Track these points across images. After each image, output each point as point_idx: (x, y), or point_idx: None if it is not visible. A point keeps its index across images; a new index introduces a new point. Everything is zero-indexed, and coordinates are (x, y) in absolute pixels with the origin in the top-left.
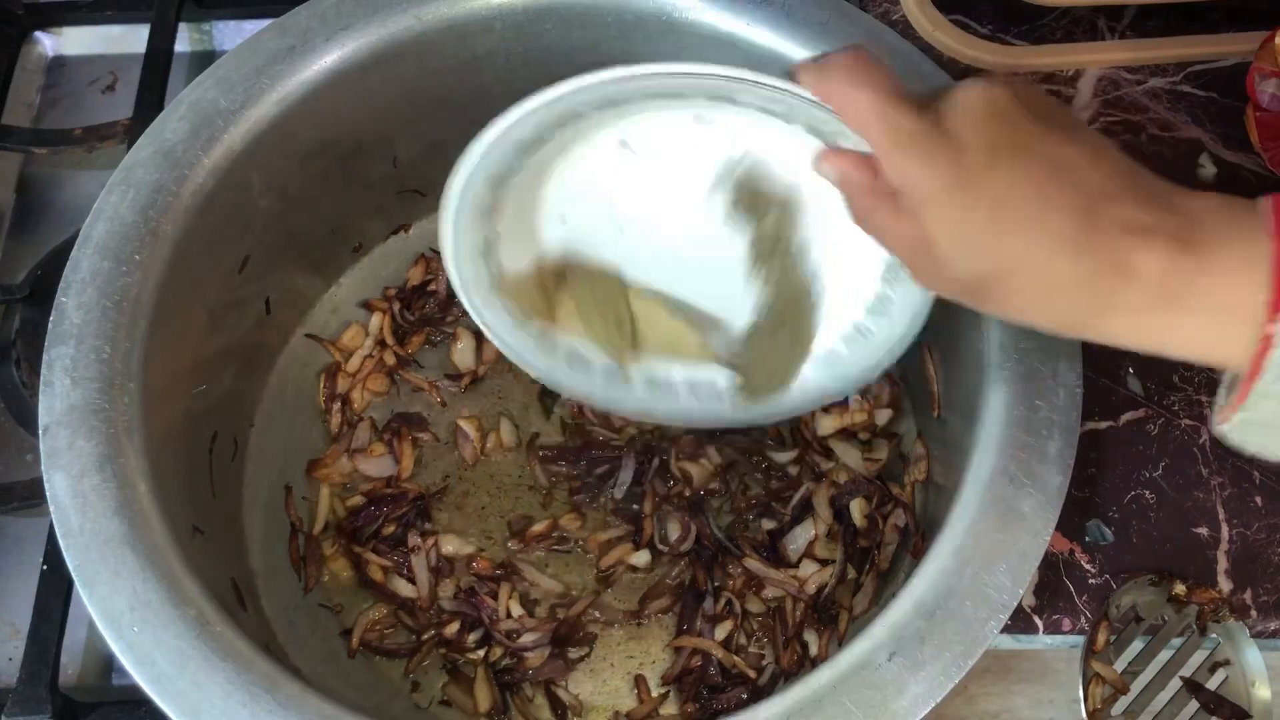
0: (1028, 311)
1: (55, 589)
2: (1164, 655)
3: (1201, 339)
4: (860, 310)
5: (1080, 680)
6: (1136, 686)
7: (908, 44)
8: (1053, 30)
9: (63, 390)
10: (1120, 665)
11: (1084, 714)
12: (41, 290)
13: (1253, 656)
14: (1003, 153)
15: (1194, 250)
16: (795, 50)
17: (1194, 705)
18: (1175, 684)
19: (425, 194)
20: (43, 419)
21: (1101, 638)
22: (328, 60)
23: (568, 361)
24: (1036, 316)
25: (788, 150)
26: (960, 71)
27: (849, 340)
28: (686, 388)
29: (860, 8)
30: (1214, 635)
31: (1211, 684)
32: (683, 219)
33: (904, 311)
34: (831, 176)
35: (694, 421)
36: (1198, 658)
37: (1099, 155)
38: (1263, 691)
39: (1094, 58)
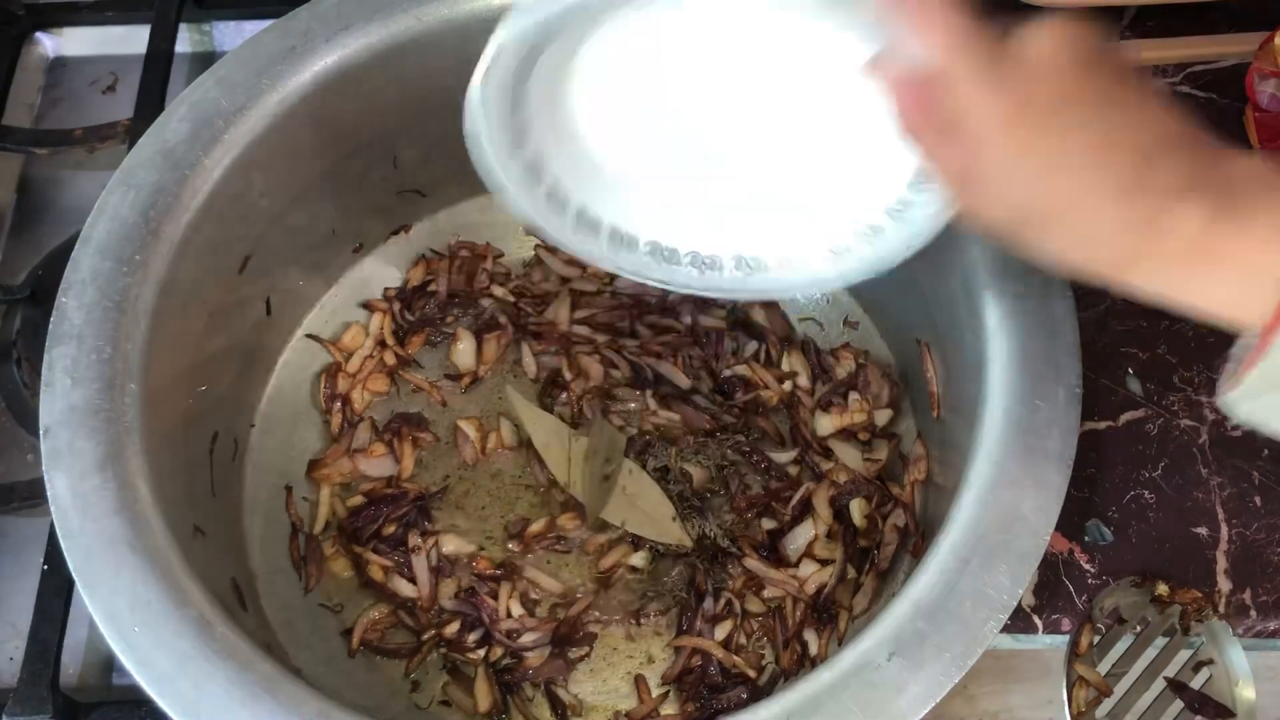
0: (1065, 253)
1: (56, 589)
2: (1148, 656)
3: (1227, 296)
4: (879, 212)
5: (1064, 683)
6: (1120, 688)
7: None
8: None
9: (64, 390)
10: (1104, 668)
11: (1068, 717)
12: (42, 290)
13: (1236, 656)
14: (1070, 105)
15: (1230, 213)
16: None
17: (1178, 705)
18: (1159, 685)
19: (426, 194)
20: (44, 419)
21: (1084, 640)
22: (328, 61)
23: (575, 222)
24: (1073, 258)
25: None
26: None
27: (859, 237)
28: (689, 259)
29: None
30: (1197, 635)
31: (1195, 683)
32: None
33: (923, 218)
34: (886, 87)
35: (691, 290)
36: (1181, 658)
37: (1157, 119)
38: (1247, 691)
39: None
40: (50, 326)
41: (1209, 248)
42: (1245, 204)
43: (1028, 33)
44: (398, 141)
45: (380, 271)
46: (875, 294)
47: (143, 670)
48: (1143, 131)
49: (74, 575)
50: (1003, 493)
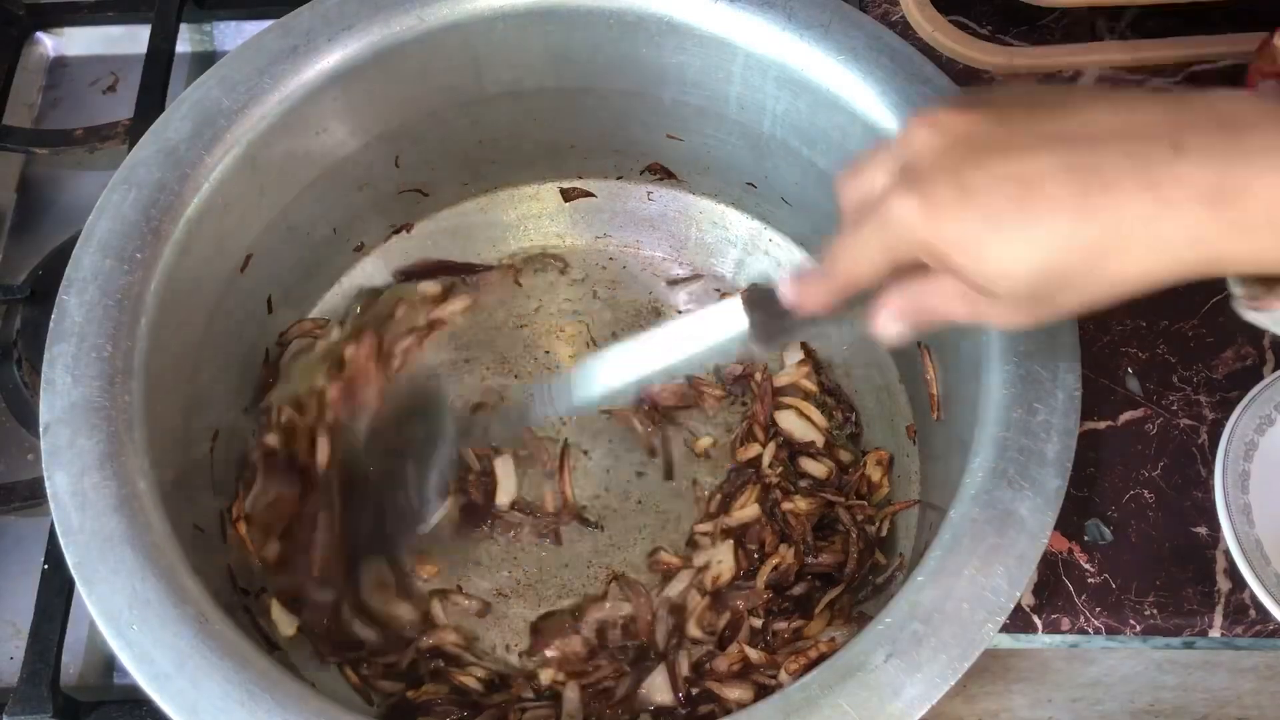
0: (1100, 282)
1: (57, 588)
2: None
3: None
4: None
5: None
6: None
7: (908, 45)
8: (1052, 31)
9: (64, 388)
10: None
11: None
12: (42, 290)
13: None
14: (1000, 153)
15: (1239, 152)
16: (798, 53)
17: None
18: None
19: (427, 194)
20: (44, 417)
21: None
22: (330, 60)
23: None
24: (1113, 278)
25: None
26: (960, 72)
27: None
28: None
29: (860, 9)
30: None
31: None
32: None
33: None
34: (893, 324)
35: None
36: None
37: (1100, 103)
38: None
39: (1093, 59)
40: (51, 324)
41: (1234, 192)
42: (1251, 138)
43: (911, 135)
44: (399, 141)
45: (381, 271)
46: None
47: (141, 668)
48: (1096, 116)
49: (73, 572)
50: (1000, 495)
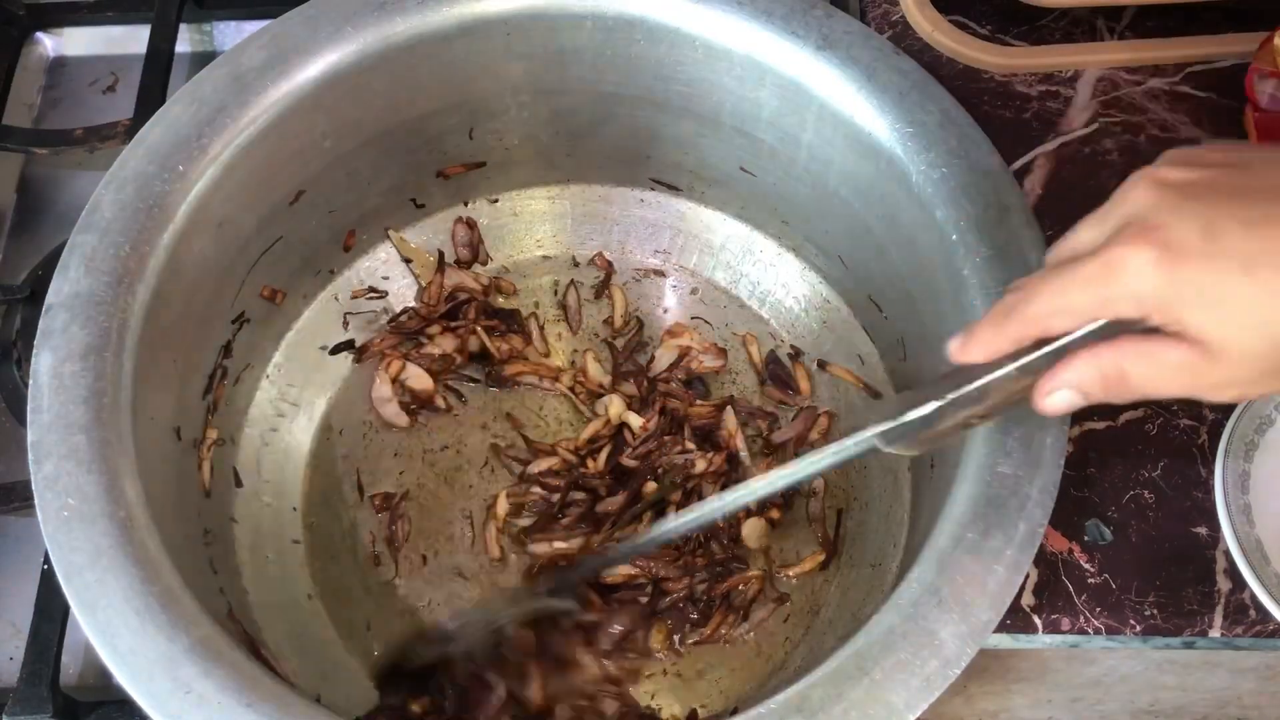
0: None
1: (56, 588)
2: None
3: None
4: None
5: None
6: None
7: (979, 130)
8: (1052, 31)
9: (75, 276)
10: None
11: None
12: (42, 290)
13: None
14: (1208, 210)
15: None
16: (867, 115)
17: None
18: None
19: (423, 206)
20: (49, 299)
21: None
22: (414, 24)
23: None
24: None
25: None
26: (960, 71)
27: None
28: None
29: (860, 10)
30: None
31: None
32: None
33: None
34: (1067, 395)
35: None
36: None
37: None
38: None
39: (1093, 58)
40: (81, 216)
41: None
42: None
43: (1106, 207)
44: (476, 114)
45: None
46: (868, 300)
47: (121, 665)
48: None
49: (28, 452)
50: (926, 613)
